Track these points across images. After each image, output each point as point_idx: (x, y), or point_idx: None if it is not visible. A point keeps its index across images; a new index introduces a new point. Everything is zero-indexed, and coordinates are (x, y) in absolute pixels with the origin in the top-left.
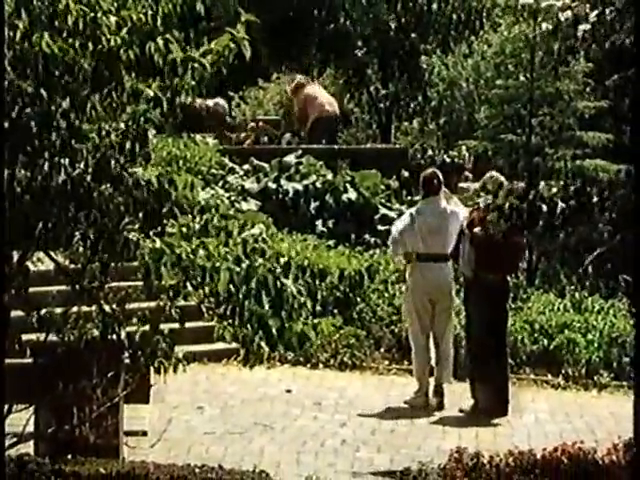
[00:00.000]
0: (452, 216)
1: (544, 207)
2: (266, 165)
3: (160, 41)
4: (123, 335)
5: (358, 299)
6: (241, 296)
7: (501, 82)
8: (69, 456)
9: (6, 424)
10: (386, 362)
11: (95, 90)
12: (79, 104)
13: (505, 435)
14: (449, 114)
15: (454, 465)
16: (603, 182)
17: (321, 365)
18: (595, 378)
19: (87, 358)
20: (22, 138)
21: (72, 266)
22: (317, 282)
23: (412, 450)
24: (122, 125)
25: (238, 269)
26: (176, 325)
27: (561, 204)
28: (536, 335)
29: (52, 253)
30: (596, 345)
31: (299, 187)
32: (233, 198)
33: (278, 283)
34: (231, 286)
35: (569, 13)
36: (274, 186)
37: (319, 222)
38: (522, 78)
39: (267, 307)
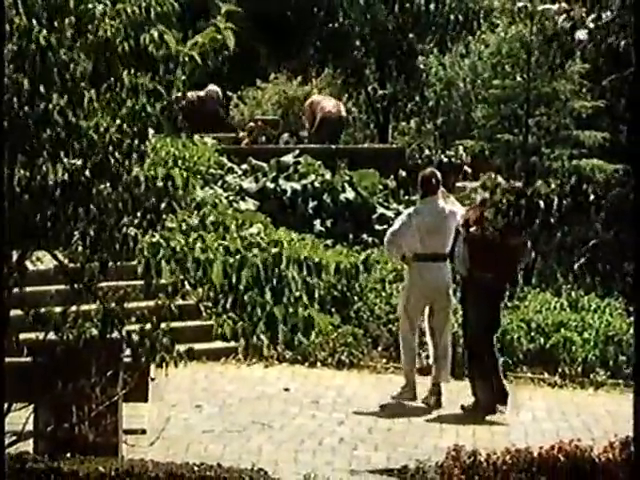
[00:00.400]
0: (450, 216)
1: (541, 204)
2: (264, 165)
3: (155, 33)
4: (123, 332)
5: (355, 298)
6: (241, 287)
7: (498, 82)
8: (68, 454)
9: (6, 422)
10: (383, 361)
11: (93, 85)
12: (76, 100)
13: (502, 433)
14: (446, 114)
15: (451, 463)
16: (599, 181)
17: (319, 364)
18: (591, 376)
19: (86, 357)
20: (21, 136)
21: (71, 265)
22: (313, 276)
23: (409, 448)
24: (121, 121)
25: (232, 260)
26: (175, 324)
27: (557, 201)
28: (533, 334)
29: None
30: (592, 344)
31: (297, 187)
32: (231, 198)
33: (277, 271)
34: (232, 281)
35: (565, 17)
36: (272, 186)
37: (317, 221)
38: (519, 78)
39: (269, 297)
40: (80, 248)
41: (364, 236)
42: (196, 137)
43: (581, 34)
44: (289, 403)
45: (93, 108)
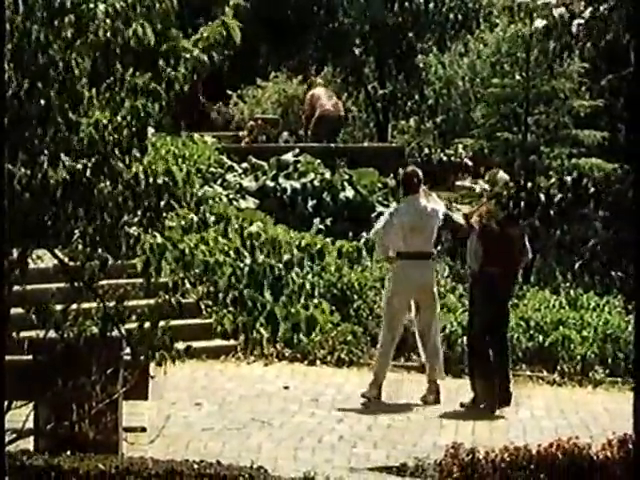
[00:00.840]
0: (432, 214)
1: (542, 197)
2: (264, 163)
3: (148, 29)
4: (123, 331)
5: (355, 296)
6: (242, 286)
7: (497, 81)
8: (68, 452)
9: (6, 420)
10: None
11: (93, 84)
12: (76, 98)
13: (501, 431)
14: (446, 113)
15: (450, 460)
16: (599, 178)
17: (318, 362)
18: (590, 374)
19: (86, 355)
20: (21, 135)
21: (71, 263)
22: (316, 262)
23: (408, 446)
24: (121, 119)
25: (242, 265)
26: (175, 322)
27: (558, 193)
28: (532, 332)
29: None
30: (591, 342)
31: (297, 185)
32: (232, 196)
33: (276, 270)
34: (233, 278)
35: (563, 10)
36: (272, 184)
37: (317, 220)
38: (518, 77)
39: (268, 295)
40: (80, 246)
41: (363, 234)
42: (196, 136)
43: (578, 22)
44: (288, 401)
45: (93, 106)
